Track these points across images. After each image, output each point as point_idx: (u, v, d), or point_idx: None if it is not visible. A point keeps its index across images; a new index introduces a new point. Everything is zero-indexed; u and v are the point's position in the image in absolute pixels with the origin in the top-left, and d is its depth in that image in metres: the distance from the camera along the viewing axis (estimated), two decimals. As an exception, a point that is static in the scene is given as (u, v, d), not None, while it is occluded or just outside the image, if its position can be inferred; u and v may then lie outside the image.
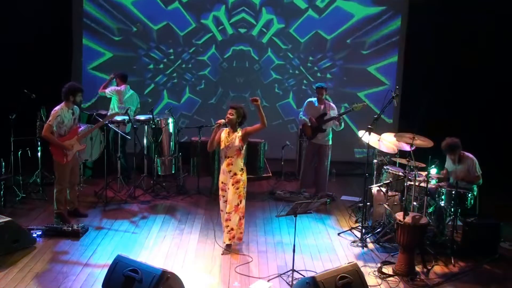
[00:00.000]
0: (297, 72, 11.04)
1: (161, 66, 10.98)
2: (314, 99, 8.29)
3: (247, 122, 6.35)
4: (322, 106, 8.17)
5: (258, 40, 10.94)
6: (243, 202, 6.23)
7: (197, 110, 11.05)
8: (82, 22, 10.53)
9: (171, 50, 10.94)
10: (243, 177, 6.19)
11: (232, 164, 6.14)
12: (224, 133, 6.22)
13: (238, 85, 11.02)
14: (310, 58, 10.97)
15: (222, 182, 6.28)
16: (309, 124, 8.18)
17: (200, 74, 11.02)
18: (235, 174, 6.15)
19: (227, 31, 10.95)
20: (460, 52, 9.49)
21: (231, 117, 6.14)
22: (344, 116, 8.16)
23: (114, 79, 9.01)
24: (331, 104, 8.23)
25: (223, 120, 6.18)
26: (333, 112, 8.13)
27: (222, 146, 6.19)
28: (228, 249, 6.24)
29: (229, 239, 6.23)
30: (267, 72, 11.04)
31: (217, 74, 11.02)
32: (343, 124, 8.08)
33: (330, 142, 8.25)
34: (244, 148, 6.20)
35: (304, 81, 11.04)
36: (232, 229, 6.19)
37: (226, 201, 6.25)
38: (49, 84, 8.81)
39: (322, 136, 8.18)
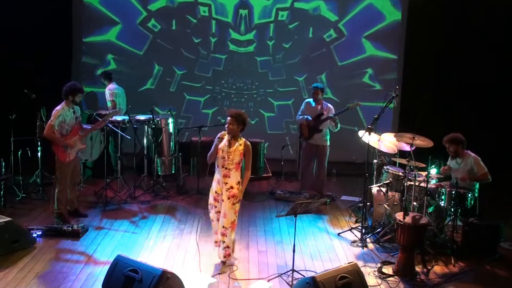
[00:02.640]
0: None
1: None
2: (311, 100, 8.27)
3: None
4: (319, 107, 8.15)
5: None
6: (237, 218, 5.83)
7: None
8: (82, 19, 10.28)
9: None
10: (239, 191, 5.74)
11: (229, 177, 5.67)
12: (224, 141, 5.71)
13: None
14: None
15: (216, 192, 5.78)
16: (306, 124, 8.18)
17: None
18: (232, 187, 5.68)
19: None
20: (461, 53, 9.47)
21: (232, 127, 5.61)
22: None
23: (103, 81, 9.01)
24: (329, 105, 8.19)
25: (224, 132, 5.71)
26: (331, 113, 8.11)
27: (220, 154, 5.68)
28: (224, 268, 5.80)
29: (224, 257, 5.81)
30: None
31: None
32: (339, 125, 8.03)
33: (328, 143, 8.22)
34: (243, 161, 5.76)
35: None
36: (228, 246, 5.78)
37: (218, 211, 5.79)
38: (49, 84, 8.82)
39: (318, 136, 8.16)
